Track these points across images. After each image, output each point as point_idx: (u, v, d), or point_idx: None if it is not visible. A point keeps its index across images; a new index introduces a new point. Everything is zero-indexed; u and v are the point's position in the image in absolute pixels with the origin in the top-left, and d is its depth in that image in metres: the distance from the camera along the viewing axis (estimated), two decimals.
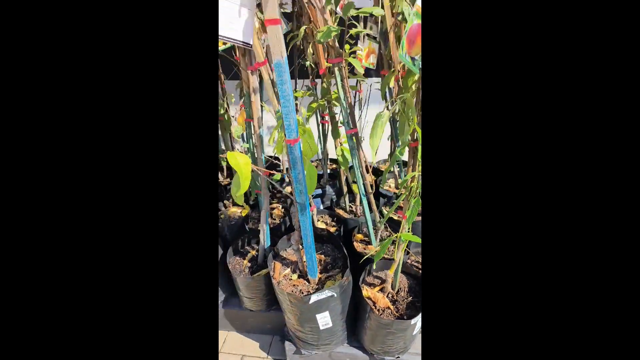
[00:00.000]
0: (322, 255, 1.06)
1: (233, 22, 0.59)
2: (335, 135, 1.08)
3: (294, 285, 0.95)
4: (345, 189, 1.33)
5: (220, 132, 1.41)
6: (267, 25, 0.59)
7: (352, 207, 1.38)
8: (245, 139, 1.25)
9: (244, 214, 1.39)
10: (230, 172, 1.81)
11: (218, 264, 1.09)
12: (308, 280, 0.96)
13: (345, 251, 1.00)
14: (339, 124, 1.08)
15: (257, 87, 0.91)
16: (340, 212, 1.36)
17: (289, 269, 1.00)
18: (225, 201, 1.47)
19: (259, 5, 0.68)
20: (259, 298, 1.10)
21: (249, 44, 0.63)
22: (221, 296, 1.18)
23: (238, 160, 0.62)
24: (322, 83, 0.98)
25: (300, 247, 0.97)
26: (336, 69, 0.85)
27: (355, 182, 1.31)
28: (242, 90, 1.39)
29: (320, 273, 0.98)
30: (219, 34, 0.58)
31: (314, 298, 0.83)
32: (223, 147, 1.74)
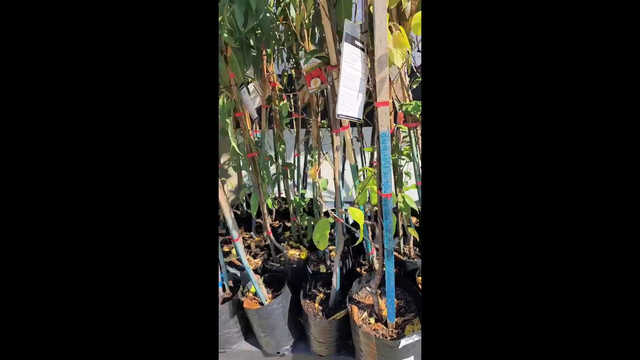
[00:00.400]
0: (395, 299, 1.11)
1: (353, 104, 0.73)
2: (400, 184, 1.19)
3: (374, 329, 0.99)
4: (401, 232, 1.41)
5: (282, 179, 1.54)
6: (379, 106, 0.74)
7: (405, 250, 1.44)
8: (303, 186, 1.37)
9: (302, 257, 1.46)
10: (281, 216, 1.89)
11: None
12: (386, 324, 1.01)
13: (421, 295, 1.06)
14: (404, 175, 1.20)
15: (340, 145, 1.05)
16: (395, 254, 1.42)
17: (365, 313, 1.05)
18: (282, 243, 1.55)
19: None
20: (330, 342, 1.13)
21: (360, 119, 0.77)
22: (290, 340, 1.21)
23: (356, 214, 0.73)
24: (391, 140, 1.12)
25: (378, 290, 1.03)
26: (412, 131, 0.99)
27: (410, 226, 1.40)
28: (296, 143, 1.55)
29: (396, 317, 1.03)
30: (340, 113, 0.72)
31: (403, 342, 0.87)
32: (280, 193, 1.86)
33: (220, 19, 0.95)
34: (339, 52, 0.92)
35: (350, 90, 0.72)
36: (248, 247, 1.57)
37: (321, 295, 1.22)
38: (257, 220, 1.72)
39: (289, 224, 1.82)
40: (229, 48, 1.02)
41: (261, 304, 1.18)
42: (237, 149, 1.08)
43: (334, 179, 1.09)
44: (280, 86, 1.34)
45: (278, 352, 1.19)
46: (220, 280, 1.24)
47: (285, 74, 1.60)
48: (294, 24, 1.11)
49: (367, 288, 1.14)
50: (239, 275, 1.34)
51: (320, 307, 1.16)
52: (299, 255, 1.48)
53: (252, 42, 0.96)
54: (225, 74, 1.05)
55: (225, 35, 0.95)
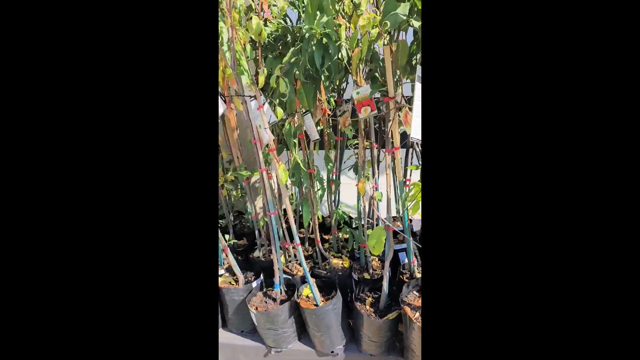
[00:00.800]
0: None
1: (420, 130, 0.91)
2: None
3: None
4: None
5: (326, 195, 1.69)
6: None
7: None
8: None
9: (346, 265, 1.59)
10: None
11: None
12: None
13: None
14: None
15: (391, 164, 1.22)
16: None
17: (417, 313, 1.17)
18: (325, 253, 1.69)
19: None
20: (382, 342, 1.24)
21: (420, 139, 0.95)
22: (343, 341, 1.31)
23: None
24: None
25: None
26: None
27: None
28: (335, 161, 1.73)
29: None
30: (413, 136, 0.90)
31: None
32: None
33: (294, 59, 1.16)
34: (394, 87, 1.12)
35: (419, 119, 0.90)
36: (294, 256, 1.70)
37: (370, 299, 1.34)
38: (300, 231, 1.86)
39: (325, 237, 1.96)
40: (298, 82, 1.22)
41: (315, 305, 1.30)
42: (301, 165, 1.26)
43: (387, 193, 1.24)
44: (330, 112, 1.54)
45: (332, 351, 1.29)
46: (277, 283, 1.37)
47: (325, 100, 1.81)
48: (345, 61, 1.31)
49: (415, 292, 1.26)
50: (291, 279, 1.46)
51: (372, 309, 1.28)
52: (342, 264, 1.61)
53: (322, 77, 1.16)
54: (294, 102, 1.24)
55: (297, 72, 1.16)
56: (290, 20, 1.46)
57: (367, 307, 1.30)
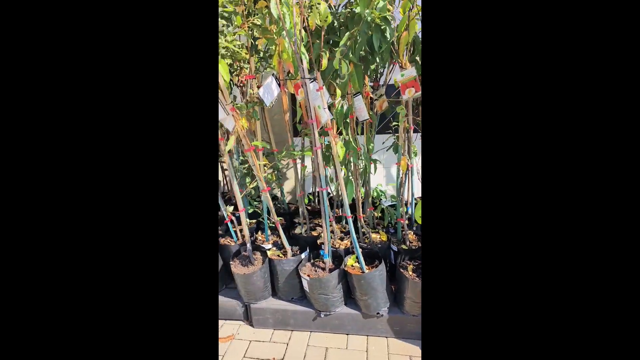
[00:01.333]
0: None
1: None
2: None
3: None
4: None
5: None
6: None
7: None
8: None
9: (383, 239, 1.71)
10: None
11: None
12: None
13: None
14: None
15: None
16: None
17: None
18: (366, 227, 1.80)
19: None
20: None
21: None
22: (386, 304, 1.44)
23: None
24: None
25: None
26: None
27: None
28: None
29: None
30: None
31: None
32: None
33: (349, 43, 1.24)
34: None
35: None
36: (332, 232, 1.82)
37: (411, 266, 1.46)
38: (335, 210, 1.98)
39: (360, 215, 2.07)
40: (351, 64, 1.31)
41: (362, 272, 1.42)
42: (353, 144, 1.36)
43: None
44: (372, 95, 1.62)
45: (378, 313, 1.42)
46: (327, 253, 1.49)
47: None
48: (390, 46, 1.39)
49: None
50: (336, 251, 1.59)
51: (414, 274, 1.40)
52: (379, 238, 1.73)
53: (377, 59, 1.25)
54: (347, 84, 1.33)
55: (351, 55, 1.25)
56: (335, 8, 1.53)
57: (410, 272, 1.42)
